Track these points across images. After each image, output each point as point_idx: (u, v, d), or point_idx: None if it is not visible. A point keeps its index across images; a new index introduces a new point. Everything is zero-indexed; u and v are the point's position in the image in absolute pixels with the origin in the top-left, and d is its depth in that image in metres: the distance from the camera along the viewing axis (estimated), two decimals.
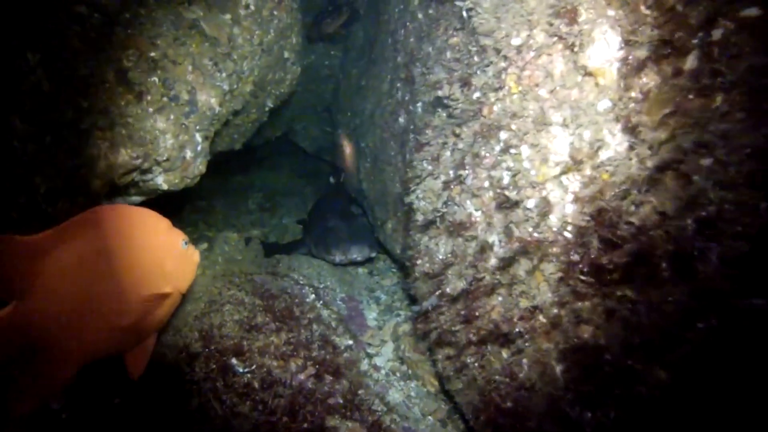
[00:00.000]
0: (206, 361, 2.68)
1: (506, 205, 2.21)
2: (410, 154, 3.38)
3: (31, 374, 1.74)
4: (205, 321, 2.87)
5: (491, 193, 2.30)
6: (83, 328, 1.81)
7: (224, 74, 2.95)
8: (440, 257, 2.74)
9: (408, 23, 3.47)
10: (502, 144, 2.17)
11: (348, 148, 4.22)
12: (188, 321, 2.84)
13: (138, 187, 2.71)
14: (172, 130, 2.58)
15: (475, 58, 2.41)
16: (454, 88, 2.51)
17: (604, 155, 1.79)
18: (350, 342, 3.43)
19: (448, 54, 2.79)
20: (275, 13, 3.51)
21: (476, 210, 2.42)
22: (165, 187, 2.76)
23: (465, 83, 2.43)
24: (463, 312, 2.53)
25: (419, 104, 3.20)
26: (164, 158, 2.57)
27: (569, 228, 1.89)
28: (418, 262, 3.00)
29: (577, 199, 1.86)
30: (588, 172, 1.85)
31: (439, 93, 2.60)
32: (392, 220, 3.95)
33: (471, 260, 2.46)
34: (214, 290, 3.10)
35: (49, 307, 1.73)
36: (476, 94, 2.33)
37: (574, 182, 1.90)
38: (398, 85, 3.63)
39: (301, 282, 3.78)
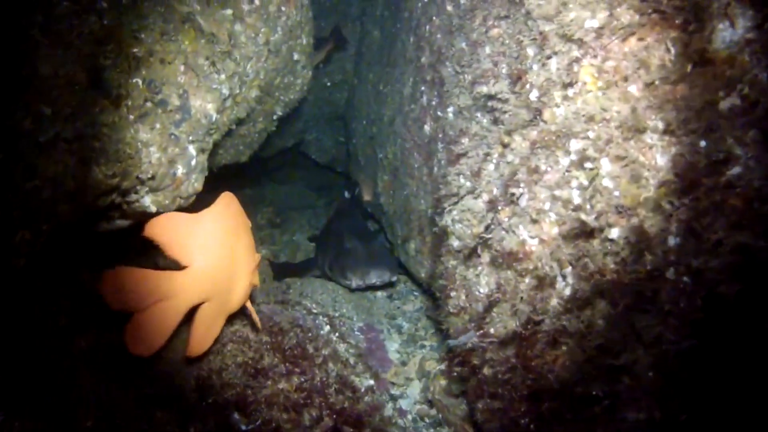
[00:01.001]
0: (203, 418, 2.17)
1: (577, 232, 1.69)
2: (439, 167, 2.88)
3: (202, 324, 2.09)
4: (203, 366, 2.36)
5: (554, 217, 1.78)
6: (230, 287, 2.17)
7: (223, 76, 2.46)
8: (483, 291, 2.22)
9: (434, 17, 2.97)
10: (572, 156, 1.65)
11: None
12: (182, 366, 2.33)
13: (121, 209, 2.21)
14: (158, 141, 2.08)
15: (530, 51, 1.89)
16: (500, 86, 2.00)
17: (731, 172, 1.27)
18: (371, 382, 2.92)
19: (488, 49, 2.28)
20: (283, 9, 3.02)
21: (532, 238, 1.90)
22: (153, 209, 2.27)
23: (516, 81, 1.92)
24: (513, 360, 2.01)
25: (450, 109, 2.69)
26: (149, 176, 2.07)
27: (676, 269, 1.37)
28: (452, 294, 2.48)
29: (692, 232, 1.34)
30: (705, 195, 1.32)
31: (482, 92, 2.09)
32: (416, 239, 3.43)
33: (525, 298, 1.94)
34: None
35: (210, 270, 2.01)
36: (533, 94, 1.81)
37: (681, 208, 1.38)
38: (423, 88, 3.13)
39: (315, 311, 3.27)
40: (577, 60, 1.60)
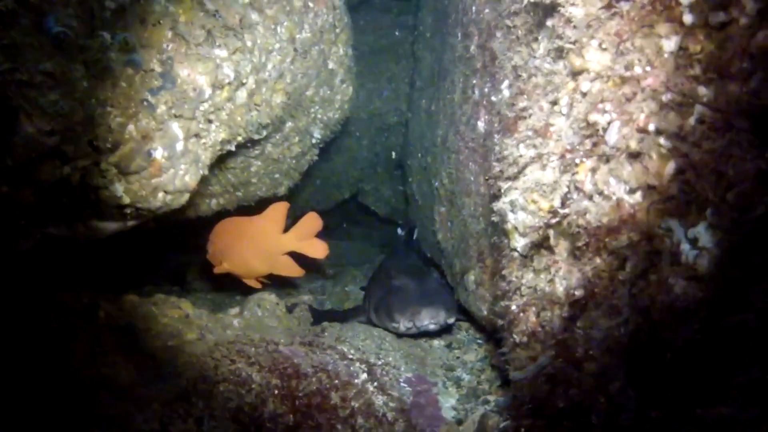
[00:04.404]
0: None
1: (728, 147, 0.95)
2: (487, 151, 2.20)
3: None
4: (179, 411, 1.70)
5: (668, 145, 1.05)
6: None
7: (225, 52, 1.99)
8: (560, 297, 1.45)
9: None
10: (689, 17, 0.95)
11: None
12: (153, 407, 1.69)
13: (87, 199, 1.71)
14: (122, 103, 1.59)
15: None
16: None
17: None
18: None
19: None
20: (311, 5, 2.61)
21: (632, 191, 1.16)
22: (126, 200, 1.75)
23: None
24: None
25: (505, 84, 2.05)
26: (107, 145, 1.57)
27: None
28: (520, 315, 1.71)
29: None
30: None
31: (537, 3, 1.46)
32: (475, 269, 2.69)
33: (628, 293, 1.16)
34: (209, 362, 1.96)
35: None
36: None
37: None
38: (474, 81, 2.54)
39: (351, 356, 2.55)
40: None
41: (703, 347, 0.94)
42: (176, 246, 4.72)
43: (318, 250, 3.06)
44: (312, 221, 3.04)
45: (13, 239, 1.69)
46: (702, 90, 0.95)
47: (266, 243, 3.00)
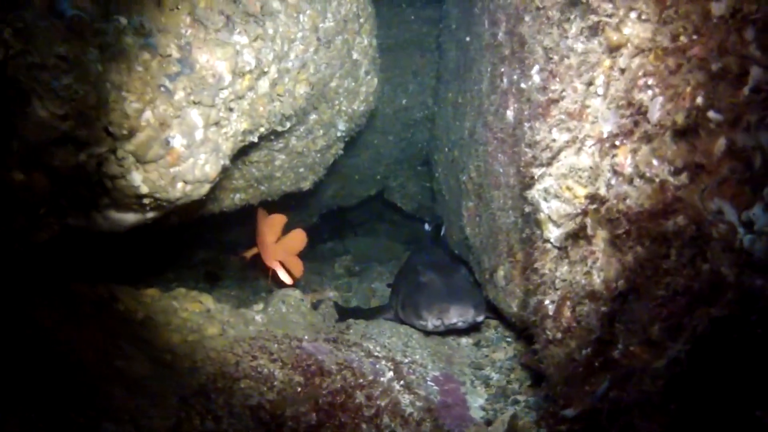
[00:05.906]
0: None
1: None
2: (516, 140, 2.10)
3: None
4: (196, 407, 1.66)
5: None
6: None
7: (245, 39, 1.95)
8: (599, 291, 1.35)
9: None
10: None
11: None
12: (170, 403, 1.65)
13: (102, 186, 1.69)
14: (138, 88, 1.56)
15: None
16: None
17: None
18: None
19: None
20: None
21: (677, 171, 1.06)
22: (145, 189, 1.72)
23: None
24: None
25: (535, 69, 1.95)
26: (123, 131, 1.54)
27: None
28: (552, 311, 1.61)
29: None
30: None
31: None
32: (505, 264, 2.59)
33: (676, 283, 1.06)
34: (229, 358, 1.92)
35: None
36: None
37: None
38: (502, 69, 2.44)
39: (377, 354, 2.49)
40: None
41: (765, 343, 0.85)
42: (204, 242, 4.77)
43: (294, 269, 3.14)
44: (296, 239, 3.13)
45: (31, 229, 1.67)
46: (759, 54, 0.85)
47: (262, 244, 3.19)
